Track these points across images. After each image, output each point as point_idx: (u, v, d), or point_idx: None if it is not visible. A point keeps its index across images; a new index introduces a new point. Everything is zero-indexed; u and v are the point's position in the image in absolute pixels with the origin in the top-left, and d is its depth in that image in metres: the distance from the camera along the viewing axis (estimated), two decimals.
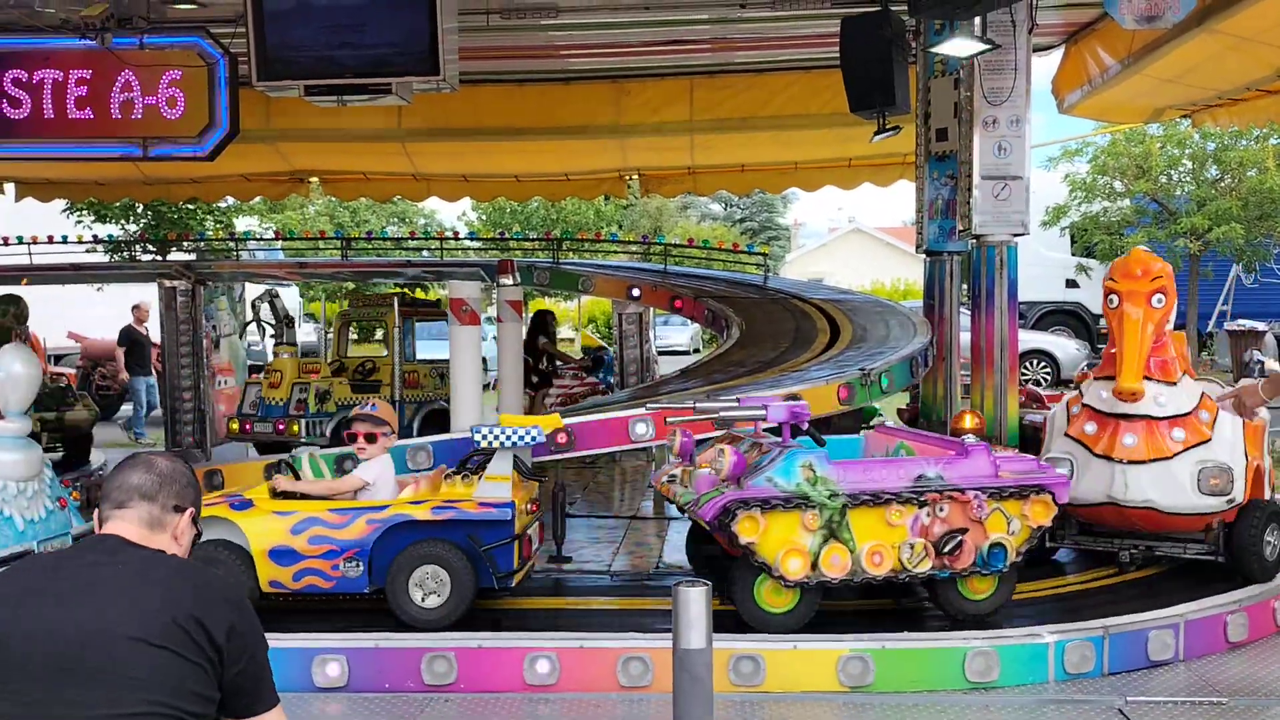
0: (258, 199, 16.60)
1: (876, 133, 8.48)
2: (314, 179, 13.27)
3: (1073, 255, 23.80)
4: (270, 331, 13.27)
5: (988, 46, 6.62)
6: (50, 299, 15.51)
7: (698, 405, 6.01)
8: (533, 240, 14.85)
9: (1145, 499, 5.96)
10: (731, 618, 5.40)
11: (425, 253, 14.63)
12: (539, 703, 5.14)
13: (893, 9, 7.67)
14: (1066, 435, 6.32)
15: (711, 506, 5.36)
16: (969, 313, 7.84)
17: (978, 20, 6.52)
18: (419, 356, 12.03)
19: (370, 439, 5.88)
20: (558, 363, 12.66)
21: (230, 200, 17.07)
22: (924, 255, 8.69)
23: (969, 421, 6.17)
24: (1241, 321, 21.63)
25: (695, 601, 3.39)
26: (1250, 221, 21.55)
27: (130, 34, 7.56)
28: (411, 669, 5.26)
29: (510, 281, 9.69)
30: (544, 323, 12.80)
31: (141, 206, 19.27)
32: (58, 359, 16.78)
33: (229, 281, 10.64)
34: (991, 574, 5.57)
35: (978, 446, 5.66)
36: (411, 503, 5.71)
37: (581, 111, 11.21)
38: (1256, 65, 8.31)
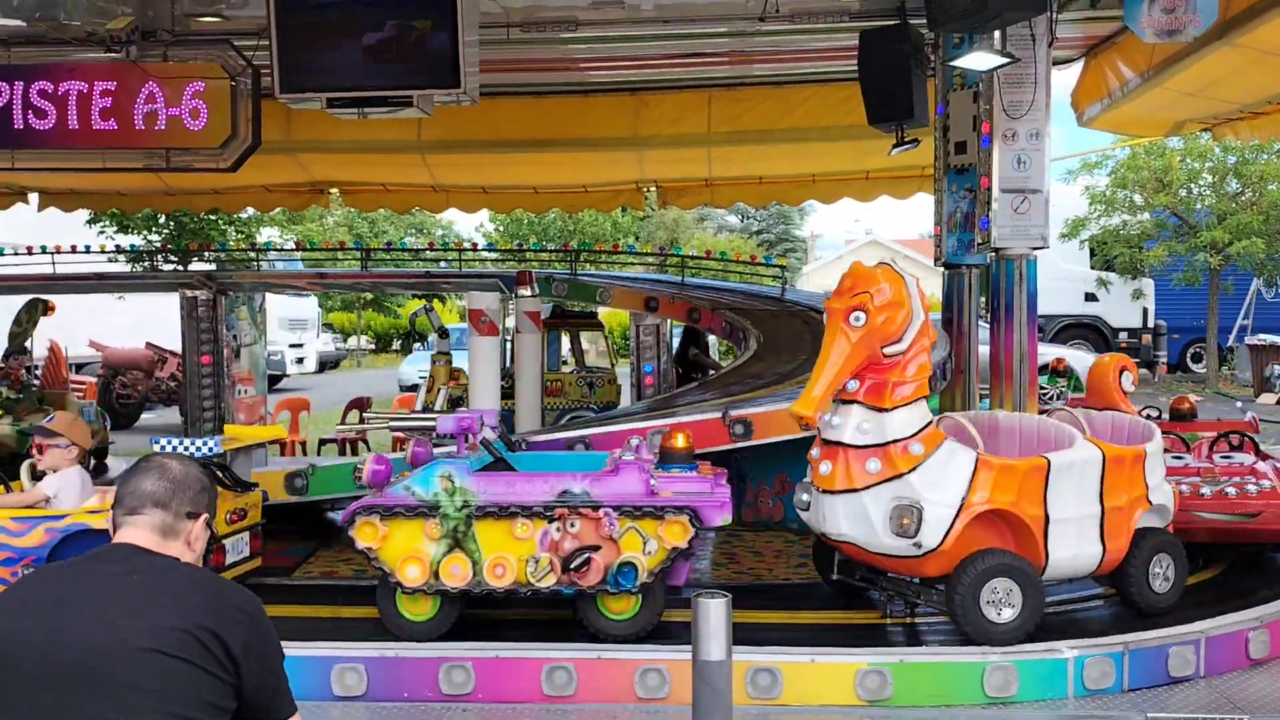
0: (278, 210, 16.72)
1: (895, 145, 8.51)
2: (334, 190, 13.37)
3: (1092, 269, 23.73)
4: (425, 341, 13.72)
5: (1007, 60, 6.62)
6: (72, 308, 15.67)
7: (367, 418, 6.18)
8: (551, 252, 14.90)
9: (840, 533, 5.49)
10: (750, 630, 5.39)
11: (443, 264, 14.68)
12: (556, 713, 5.15)
13: (911, 22, 7.69)
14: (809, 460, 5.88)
15: (345, 512, 5.60)
16: (988, 326, 7.82)
17: (997, 34, 6.52)
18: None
19: (40, 450, 6.10)
20: (711, 372, 12.67)
21: (251, 211, 17.19)
22: (942, 268, 8.68)
23: (680, 441, 6.00)
24: (1262, 336, 21.52)
25: (715, 613, 3.39)
26: (1271, 235, 21.46)
27: (155, 46, 7.67)
28: (430, 679, 5.27)
29: (529, 293, 9.74)
30: (695, 334, 12.79)
31: (163, 217, 19.44)
32: (79, 367, 16.92)
33: (250, 291, 10.72)
34: (625, 594, 5.46)
35: (630, 465, 5.62)
36: (90, 511, 5.84)
37: (600, 124, 11.26)
38: (1278, 79, 8.28)
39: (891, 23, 7.77)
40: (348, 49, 7.06)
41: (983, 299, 8.68)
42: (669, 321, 12.32)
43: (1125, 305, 23.35)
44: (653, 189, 13.48)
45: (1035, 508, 5.48)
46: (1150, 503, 5.87)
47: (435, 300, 13.20)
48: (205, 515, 2.42)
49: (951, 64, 7.22)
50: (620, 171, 12.74)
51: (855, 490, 5.34)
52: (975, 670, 5.25)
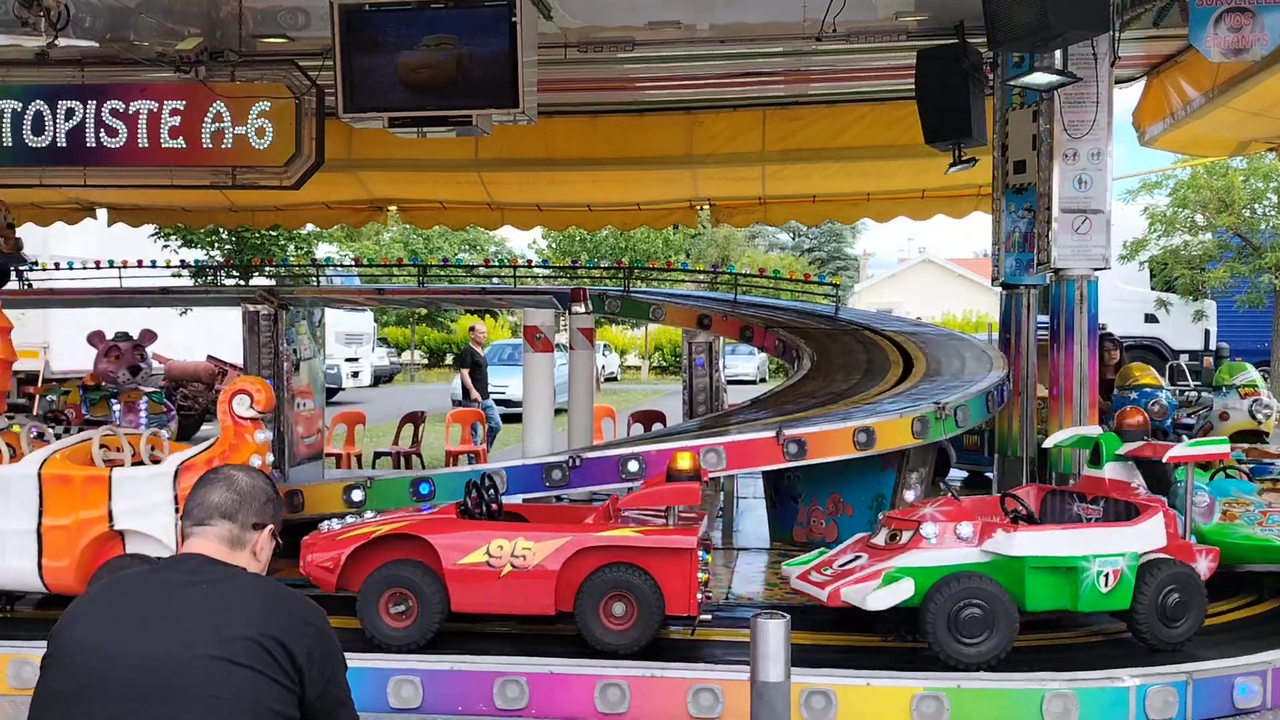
0: (336, 226, 16.99)
1: (952, 165, 8.45)
2: (392, 207, 13.56)
3: (1152, 290, 23.33)
4: None
5: (1068, 79, 6.56)
6: (138, 321, 16.03)
7: None
8: (604, 268, 14.96)
9: None
10: (804, 651, 5.35)
11: (496, 280, 14.81)
12: None
13: (970, 41, 7.65)
14: None
15: None
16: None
17: (1058, 53, 6.47)
18: None
19: None
20: None
21: (310, 227, 17.48)
22: (1000, 288, 8.59)
23: None
24: None
25: (774, 633, 3.37)
26: None
27: (222, 66, 7.86)
28: (484, 692, 5.31)
29: (583, 309, 9.79)
30: None
31: (226, 232, 19.83)
32: None
33: (310, 306, 10.87)
34: None
35: None
36: None
37: (654, 142, 11.32)
38: None
39: (950, 41, 7.74)
40: (410, 69, 7.18)
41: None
42: (721, 339, 12.30)
43: (1186, 327, 22.89)
44: (706, 207, 13.50)
45: None
46: (114, 527, 5.89)
47: None
48: (271, 526, 2.47)
49: (1012, 83, 7.18)
50: (674, 190, 12.79)
51: None
52: (1034, 697, 5.17)
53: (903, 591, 5.37)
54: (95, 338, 11.78)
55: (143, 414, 11.17)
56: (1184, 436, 9.10)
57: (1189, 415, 10.64)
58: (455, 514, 6.00)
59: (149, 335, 12.05)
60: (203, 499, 2.42)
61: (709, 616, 5.73)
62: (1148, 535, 5.65)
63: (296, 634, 2.23)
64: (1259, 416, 8.52)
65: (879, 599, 5.36)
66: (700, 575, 5.60)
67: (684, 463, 5.88)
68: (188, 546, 2.39)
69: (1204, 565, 5.79)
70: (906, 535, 5.65)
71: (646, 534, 5.59)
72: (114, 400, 11.18)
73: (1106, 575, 5.47)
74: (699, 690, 5.21)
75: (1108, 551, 5.48)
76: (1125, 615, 5.63)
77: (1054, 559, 5.47)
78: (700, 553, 5.62)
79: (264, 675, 2.15)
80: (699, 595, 5.57)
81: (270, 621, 2.21)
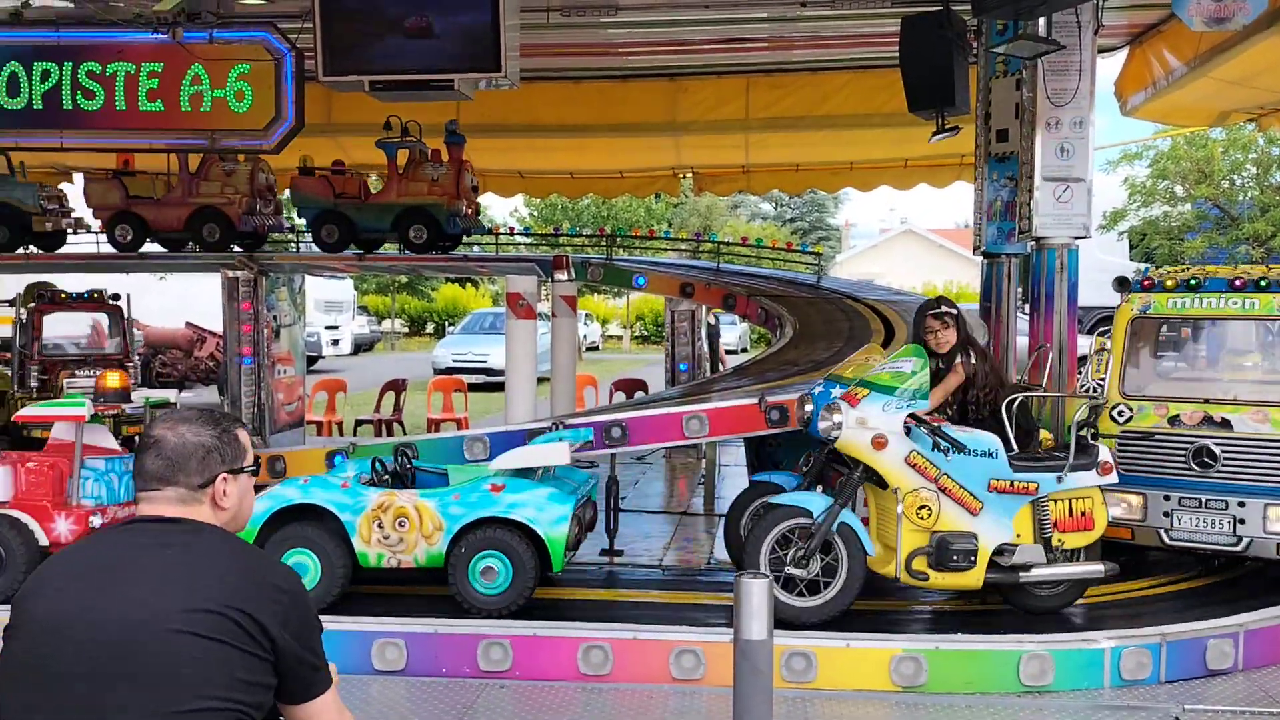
0: None
1: (935, 133, 8.44)
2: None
3: (1131, 260, 23.47)
4: None
5: (1052, 47, 6.56)
6: (115, 286, 15.88)
7: None
8: (586, 236, 14.93)
9: None
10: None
11: (477, 247, 14.73)
12: (592, 692, 5.20)
13: (954, 8, 7.62)
14: None
15: None
16: (1026, 316, 7.77)
17: (1042, 20, 6.47)
18: None
19: None
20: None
21: (288, 193, 17.31)
22: (981, 257, 8.63)
23: None
24: None
25: (757, 593, 3.41)
26: None
27: (200, 28, 7.76)
28: (468, 655, 5.34)
29: (565, 277, 9.77)
30: None
31: None
32: None
33: (290, 273, 10.80)
34: None
35: None
36: None
37: (637, 109, 11.26)
38: None
39: (934, 8, 7.71)
40: (391, 32, 7.11)
41: (1020, 288, 8.63)
42: (704, 307, 12.30)
43: None
44: (689, 175, 13.47)
45: None
46: None
47: None
48: (224, 475, 2.30)
49: (995, 50, 7.17)
50: (657, 157, 12.75)
51: None
52: (1011, 658, 5.25)
53: None
54: None
55: None
56: None
57: None
58: None
59: None
60: (140, 467, 2.29)
61: None
62: None
63: (267, 603, 2.13)
64: None
65: None
66: None
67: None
68: (142, 510, 2.28)
69: (63, 526, 5.96)
70: None
71: None
72: None
73: None
74: (681, 652, 5.26)
75: None
76: None
77: None
78: None
79: (232, 647, 2.07)
80: None
81: (239, 592, 2.12)
